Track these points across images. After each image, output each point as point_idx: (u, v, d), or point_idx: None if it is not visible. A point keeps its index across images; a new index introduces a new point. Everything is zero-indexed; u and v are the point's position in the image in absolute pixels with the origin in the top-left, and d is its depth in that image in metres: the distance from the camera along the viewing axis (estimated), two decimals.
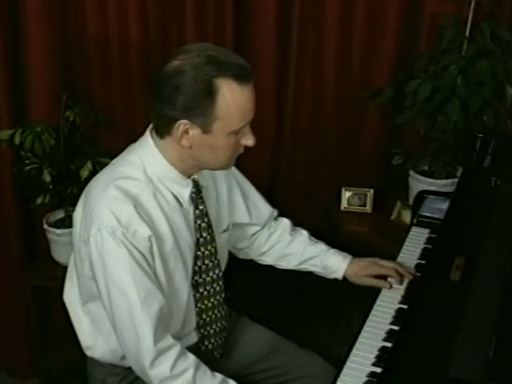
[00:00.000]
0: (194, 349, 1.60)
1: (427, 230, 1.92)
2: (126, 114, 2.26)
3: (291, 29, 2.31)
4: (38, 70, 2.09)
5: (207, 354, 1.65)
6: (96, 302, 1.51)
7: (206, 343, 1.65)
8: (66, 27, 2.12)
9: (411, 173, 2.41)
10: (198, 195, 1.54)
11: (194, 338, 1.63)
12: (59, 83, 2.10)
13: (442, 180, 2.36)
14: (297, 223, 1.88)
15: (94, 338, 1.60)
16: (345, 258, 1.78)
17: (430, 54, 2.30)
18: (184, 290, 1.54)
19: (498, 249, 1.62)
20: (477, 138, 2.09)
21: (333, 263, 1.78)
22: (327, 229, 1.92)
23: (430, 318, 1.48)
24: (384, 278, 1.73)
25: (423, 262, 1.77)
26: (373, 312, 1.59)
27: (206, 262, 1.58)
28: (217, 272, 1.61)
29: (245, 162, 1.73)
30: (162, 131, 1.44)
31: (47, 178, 2.05)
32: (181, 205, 1.50)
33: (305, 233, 1.84)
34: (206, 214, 1.57)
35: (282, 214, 1.88)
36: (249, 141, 1.46)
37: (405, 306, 1.60)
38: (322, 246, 1.81)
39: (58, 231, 2.15)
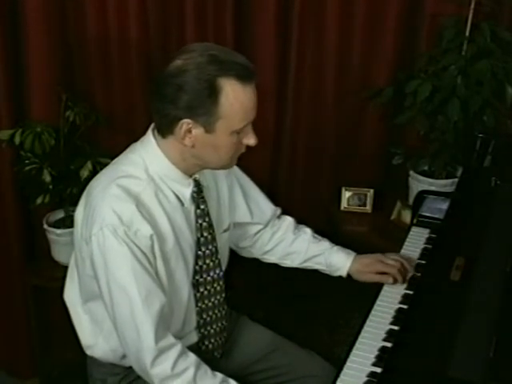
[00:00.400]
0: (194, 348, 1.60)
1: (427, 230, 1.92)
2: (125, 114, 2.26)
3: (291, 29, 2.31)
4: (38, 69, 2.09)
5: (207, 354, 1.65)
6: (97, 301, 1.51)
7: (207, 343, 1.65)
8: (66, 27, 2.12)
9: (411, 173, 2.41)
10: (199, 195, 1.54)
11: (194, 337, 1.63)
12: (59, 83, 2.10)
13: (442, 180, 2.36)
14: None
15: (95, 337, 1.60)
16: (348, 255, 1.78)
17: (430, 54, 2.30)
18: (185, 289, 1.54)
19: (498, 249, 1.62)
20: (477, 138, 2.09)
21: (337, 261, 1.78)
22: (327, 229, 1.92)
23: (430, 318, 1.48)
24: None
25: (423, 261, 1.77)
26: (373, 312, 1.59)
27: (207, 261, 1.58)
28: (217, 272, 1.61)
29: (245, 162, 1.73)
30: (165, 130, 1.44)
31: (47, 178, 2.05)
32: (182, 204, 1.51)
33: (308, 231, 1.84)
34: (207, 214, 1.57)
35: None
36: (251, 140, 1.46)
37: (405, 306, 1.60)
38: (325, 244, 1.81)
39: (58, 231, 2.15)
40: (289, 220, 1.85)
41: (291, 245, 1.82)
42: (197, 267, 1.57)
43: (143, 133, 1.53)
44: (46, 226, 2.17)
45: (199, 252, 1.56)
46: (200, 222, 1.55)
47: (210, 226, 1.58)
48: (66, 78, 2.15)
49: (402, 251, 1.83)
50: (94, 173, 1.96)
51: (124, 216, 1.39)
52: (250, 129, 1.45)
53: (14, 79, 2.08)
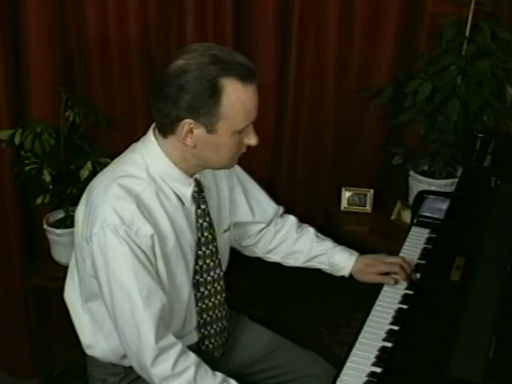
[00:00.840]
0: (194, 348, 1.60)
1: (427, 230, 1.91)
2: (125, 114, 2.26)
3: (291, 29, 2.31)
4: (38, 70, 2.09)
5: (207, 354, 1.65)
6: (97, 301, 1.51)
7: (207, 343, 1.65)
8: (66, 27, 2.12)
9: (411, 173, 2.41)
10: (199, 195, 1.54)
11: (194, 337, 1.63)
12: (59, 83, 2.10)
13: (442, 180, 2.36)
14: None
15: (95, 337, 1.60)
16: (351, 255, 1.78)
17: (430, 54, 2.30)
18: (185, 289, 1.54)
19: (498, 249, 1.62)
20: (477, 138, 2.10)
21: (339, 261, 1.78)
22: (327, 229, 1.92)
23: (430, 318, 1.48)
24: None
25: (423, 262, 1.77)
26: (373, 312, 1.59)
27: (207, 261, 1.58)
28: (218, 272, 1.61)
29: (245, 162, 1.73)
30: (166, 130, 1.44)
31: (47, 178, 2.05)
32: (183, 204, 1.51)
33: (311, 230, 1.84)
34: (208, 214, 1.57)
35: None
36: (252, 140, 1.46)
37: (405, 306, 1.60)
38: (328, 244, 1.81)
39: (58, 231, 2.15)
40: (292, 219, 1.85)
41: (294, 244, 1.82)
42: (197, 267, 1.57)
43: (143, 133, 1.53)
44: (45, 226, 2.17)
45: (200, 252, 1.57)
46: (201, 221, 1.55)
47: (211, 225, 1.58)
48: (66, 78, 2.15)
49: (402, 251, 1.83)
50: (94, 173, 1.96)
51: (125, 216, 1.39)
52: (252, 129, 1.46)
53: (14, 79, 2.08)
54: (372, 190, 2.52)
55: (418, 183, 2.37)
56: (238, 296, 1.80)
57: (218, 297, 1.63)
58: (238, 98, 1.37)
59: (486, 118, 2.19)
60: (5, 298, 2.33)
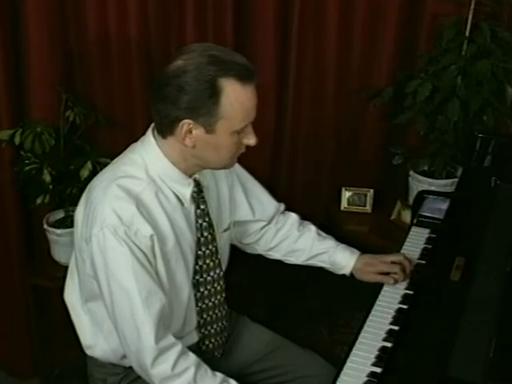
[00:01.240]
0: (194, 348, 1.60)
1: (427, 230, 1.91)
2: (125, 114, 2.26)
3: (291, 29, 2.31)
4: (38, 70, 2.09)
5: (208, 354, 1.65)
6: (97, 301, 1.51)
7: (207, 343, 1.65)
8: (66, 27, 2.12)
9: (411, 173, 2.41)
10: (199, 195, 1.54)
11: (194, 337, 1.63)
12: (59, 83, 2.10)
13: (442, 180, 2.36)
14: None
15: (95, 338, 1.60)
16: (352, 254, 1.78)
17: (430, 54, 2.30)
18: (185, 289, 1.54)
19: (498, 249, 1.62)
20: (477, 138, 2.10)
21: (340, 260, 1.78)
22: (327, 229, 1.92)
23: (430, 318, 1.48)
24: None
25: (423, 262, 1.77)
26: (373, 312, 1.59)
27: (207, 261, 1.58)
28: (218, 271, 1.61)
29: (245, 162, 1.73)
30: (165, 131, 1.44)
31: (47, 178, 2.05)
32: (182, 204, 1.51)
33: (313, 228, 1.84)
34: (207, 214, 1.57)
35: None
36: (251, 140, 1.46)
37: (405, 306, 1.60)
38: (330, 242, 1.81)
39: (58, 231, 2.15)
40: (293, 217, 1.85)
41: (295, 242, 1.82)
42: (197, 267, 1.57)
43: (143, 133, 1.53)
44: (46, 226, 2.17)
45: (199, 252, 1.57)
46: (200, 221, 1.55)
47: (210, 225, 1.58)
48: (66, 78, 2.15)
49: (402, 251, 1.83)
50: (93, 173, 1.96)
51: (124, 216, 1.39)
52: (251, 129, 1.46)
53: (14, 79, 2.08)
54: (372, 190, 2.52)
55: (418, 183, 2.37)
56: (238, 296, 1.80)
57: (218, 296, 1.63)
58: (237, 98, 1.37)
59: (486, 118, 2.19)
60: (5, 298, 2.33)
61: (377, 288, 1.70)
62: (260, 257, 1.89)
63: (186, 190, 1.50)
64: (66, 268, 1.67)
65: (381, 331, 1.51)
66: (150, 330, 1.39)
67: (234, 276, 1.77)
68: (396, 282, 1.69)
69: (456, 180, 2.28)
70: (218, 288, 1.62)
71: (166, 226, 1.46)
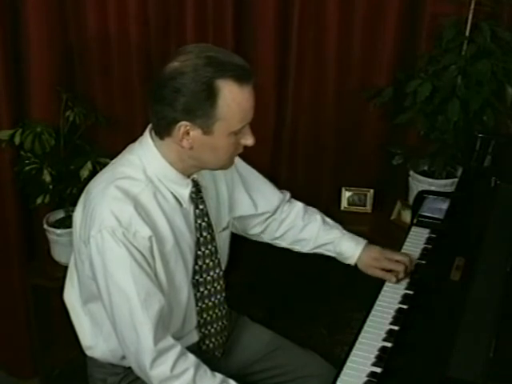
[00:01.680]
0: (195, 348, 1.60)
1: (427, 230, 1.91)
2: (125, 114, 2.26)
3: (291, 29, 2.31)
4: (38, 70, 2.09)
5: (208, 353, 1.65)
6: (96, 302, 1.51)
7: (207, 342, 1.65)
8: (66, 27, 2.12)
9: (411, 173, 2.41)
10: (197, 195, 1.54)
11: (194, 337, 1.63)
12: (59, 83, 2.10)
13: (442, 180, 2.36)
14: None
15: (95, 338, 1.60)
16: (358, 244, 1.78)
17: (430, 54, 2.30)
18: (184, 290, 1.54)
19: (498, 249, 1.62)
20: (477, 138, 2.10)
21: (346, 250, 1.78)
22: None
23: (430, 318, 1.48)
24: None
25: (423, 262, 1.77)
26: (373, 312, 1.59)
27: (207, 261, 1.58)
28: (217, 271, 1.61)
29: (245, 162, 1.73)
30: (163, 132, 1.44)
31: (47, 178, 2.05)
32: (181, 205, 1.51)
33: (319, 217, 1.83)
34: (206, 214, 1.57)
35: None
36: (248, 141, 1.46)
37: (405, 306, 1.60)
38: (335, 232, 1.80)
39: (58, 231, 2.15)
40: (298, 206, 1.84)
41: (300, 232, 1.81)
42: (196, 267, 1.57)
43: (143, 133, 1.53)
44: (46, 226, 2.17)
45: (199, 252, 1.56)
46: (199, 222, 1.55)
47: (209, 225, 1.58)
48: (66, 78, 2.15)
49: (402, 251, 1.83)
50: (93, 173, 1.96)
51: (122, 218, 1.39)
52: (248, 129, 1.45)
53: (14, 79, 2.08)
54: (372, 190, 2.52)
55: (418, 183, 2.36)
56: (238, 296, 1.80)
57: (218, 296, 1.63)
58: (234, 100, 1.37)
59: (486, 118, 2.19)
60: (5, 298, 2.33)
61: (377, 288, 1.70)
62: (260, 257, 1.89)
63: (185, 191, 1.50)
64: (65, 268, 1.67)
65: (381, 331, 1.51)
66: (149, 331, 1.39)
67: (234, 276, 1.77)
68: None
69: (456, 180, 2.28)
70: (218, 287, 1.62)
71: (165, 226, 1.46)
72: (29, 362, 2.43)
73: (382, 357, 1.43)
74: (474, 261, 1.57)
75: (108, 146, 2.18)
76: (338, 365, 1.43)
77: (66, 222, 2.16)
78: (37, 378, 2.45)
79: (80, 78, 2.21)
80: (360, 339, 1.49)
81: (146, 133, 1.51)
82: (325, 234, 1.80)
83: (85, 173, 2.04)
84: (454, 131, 2.25)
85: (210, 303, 1.62)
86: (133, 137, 1.57)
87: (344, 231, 1.82)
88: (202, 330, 1.63)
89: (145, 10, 2.16)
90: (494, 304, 1.42)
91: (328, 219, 1.85)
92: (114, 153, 1.59)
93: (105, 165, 1.61)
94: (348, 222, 2.47)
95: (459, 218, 1.84)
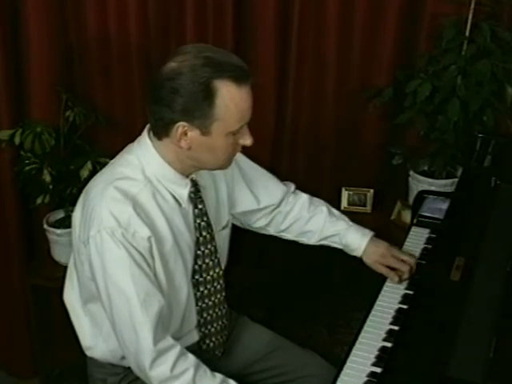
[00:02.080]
0: (195, 347, 1.60)
1: (427, 230, 1.91)
2: (125, 114, 2.26)
3: (291, 29, 2.31)
4: (38, 70, 2.09)
5: (208, 353, 1.65)
6: (96, 303, 1.51)
7: (208, 341, 1.65)
8: (66, 27, 2.12)
9: (411, 173, 2.41)
10: (196, 195, 1.54)
11: (195, 336, 1.63)
12: (59, 83, 2.10)
13: (442, 180, 2.36)
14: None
15: (95, 339, 1.60)
16: (364, 236, 1.77)
17: (430, 54, 2.30)
18: (184, 289, 1.54)
19: (498, 249, 1.62)
20: (477, 138, 2.10)
21: (351, 242, 1.77)
22: None
23: (430, 318, 1.48)
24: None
25: (423, 262, 1.77)
26: (373, 312, 1.59)
27: (207, 260, 1.58)
28: (217, 270, 1.61)
29: None
30: (161, 133, 1.44)
31: (47, 178, 2.05)
32: (180, 205, 1.50)
33: (325, 209, 1.82)
34: (206, 213, 1.57)
35: None
36: (247, 141, 1.46)
37: (405, 306, 1.60)
38: (341, 224, 1.79)
39: (58, 231, 2.15)
40: (303, 198, 1.84)
41: (306, 224, 1.81)
42: (196, 267, 1.57)
43: (141, 133, 1.53)
44: (46, 226, 2.17)
45: (198, 252, 1.56)
46: (198, 221, 1.55)
47: (209, 225, 1.58)
48: (66, 78, 2.15)
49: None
50: (93, 173, 1.96)
51: (121, 218, 1.39)
52: (246, 129, 1.45)
53: (14, 79, 2.08)
54: (372, 190, 2.52)
55: (418, 183, 2.36)
56: (238, 296, 1.80)
57: (218, 295, 1.63)
58: (232, 100, 1.37)
59: (486, 118, 2.19)
60: (5, 298, 2.33)
61: (377, 288, 1.70)
62: (260, 257, 1.89)
63: (183, 191, 1.50)
64: (65, 268, 1.67)
65: (381, 331, 1.51)
66: (149, 331, 1.39)
67: (234, 276, 1.77)
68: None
69: (456, 180, 2.28)
70: (218, 287, 1.62)
71: (164, 226, 1.46)
72: (29, 362, 2.43)
73: (382, 357, 1.43)
74: (474, 261, 1.57)
75: (108, 146, 2.18)
76: (338, 365, 1.43)
77: (66, 222, 2.16)
78: (37, 378, 2.45)
79: (80, 77, 2.21)
80: (360, 339, 1.49)
81: (144, 133, 1.51)
82: (331, 225, 1.79)
83: (85, 173, 2.04)
84: (454, 131, 2.25)
85: (210, 302, 1.62)
86: (133, 137, 1.57)
87: (350, 223, 1.81)
88: (202, 329, 1.63)
89: (145, 10, 2.16)
90: (494, 304, 1.42)
91: (334, 210, 1.84)
92: (113, 153, 1.59)
93: (105, 165, 1.61)
94: None
95: (459, 218, 1.84)
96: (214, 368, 1.47)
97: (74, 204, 1.55)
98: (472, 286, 1.48)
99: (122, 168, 1.49)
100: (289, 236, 1.85)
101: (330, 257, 1.85)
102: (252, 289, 2.49)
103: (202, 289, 1.59)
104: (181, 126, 1.39)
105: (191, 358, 1.44)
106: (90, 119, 2.12)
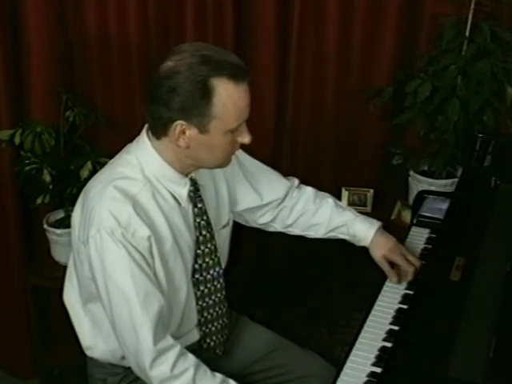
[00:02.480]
0: (195, 347, 1.60)
1: (427, 230, 1.91)
2: (125, 114, 2.26)
3: (291, 29, 2.31)
4: (38, 70, 2.09)
5: (209, 352, 1.65)
6: (96, 303, 1.51)
7: (208, 341, 1.65)
8: (66, 27, 2.12)
9: (411, 173, 2.41)
10: (196, 194, 1.54)
11: (195, 335, 1.63)
12: (59, 83, 2.10)
13: (442, 180, 2.36)
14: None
15: (95, 339, 1.60)
16: (371, 225, 1.75)
17: (430, 54, 2.30)
18: (183, 289, 1.54)
19: (498, 249, 1.62)
20: (477, 138, 2.10)
21: (359, 231, 1.75)
22: None
23: (430, 318, 1.48)
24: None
25: (423, 262, 1.77)
26: (373, 312, 1.59)
27: (207, 259, 1.58)
28: (217, 270, 1.61)
29: None
30: (159, 132, 1.44)
31: (47, 178, 2.05)
32: (179, 204, 1.50)
33: (331, 201, 1.81)
34: (205, 212, 1.57)
35: None
36: (245, 138, 1.46)
37: (405, 306, 1.60)
38: (348, 214, 1.78)
39: (58, 231, 2.15)
40: (309, 191, 1.83)
41: (313, 216, 1.80)
42: (196, 266, 1.57)
43: (139, 133, 1.53)
44: (46, 226, 2.17)
45: (198, 251, 1.56)
46: (198, 220, 1.55)
47: (209, 224, 1.58)
48: (66, 78, 2.15)
49: None
50: (93, 173, 1.96)
51: (121, 218, 1.39)
52: (245, 127, 1.45)
53: (14, 79, 2.08)
54: (372, 190, 2.52)
55: (418, 183, 2.37)
56: (238, 296, 1.80)
57: (218, 294, 1.63)
58: (229, 98, 1.37)
59: (486, 118, 2.19)
60: (5, 298, 2.33)
61: (377, 288, 1.70)
62: (260, 257, 1.89)
63: (183, 190, 1.50)
64: (65, 268, 1.67)
65: (381, 331, 1.51)
66: (148, 331, 1.39)
67: (234, 276, 1.77)
68: (400, 282, 1.69)
69: (456, 180, 2.28)
70: (218, 286, 1.62)
71: (164, 226, 1.46)
72: (29, 362, 2.43)
73: (382, 357, 1.43)
74: (474, 261, 1.57)
75: (108, 146, 2.17)
76: (338, 365, 1.43)
77: (66, 222, 2.16)
78: (37, 378, 2.45)
79: (80, 77, 2.21)
80: (360, 339, 1.49)
81: (143, 133, 1.51)
82: (338, 216, 1.78)
83: (85, 173, 2.04)
84: (454, 131, 2.25)
85: (211, 301, 1.62)
86: (132, 137, 1.57)
87: (357, 213, 1.79)
88: (203, 328, 1.63)
89: (145, 10, 2.16)
90: (493, 304, 1.42)
91: (340, 203, 1.83)
92: (113, 153, 1.59)
93: (104, 165, 1.61)
94: None
95: (459, 218, 1.84)
96: (214, 368, 1.47)
97: (73, 204, 1.55)
98: (472, 285, 1.49)
99: (121, 168, 1.49)
100: (296, 231, 1.83)
101: (330, 257, 1.86)
102: (252, 289, 2.49)
103: (202, 288, 1.59)
104: (179, 124, 1.39)
105: (191, 358, 1.44)
106: (90, 119, 2.12)
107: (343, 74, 2.41)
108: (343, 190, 2.53)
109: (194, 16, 2.19)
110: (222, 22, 2.23)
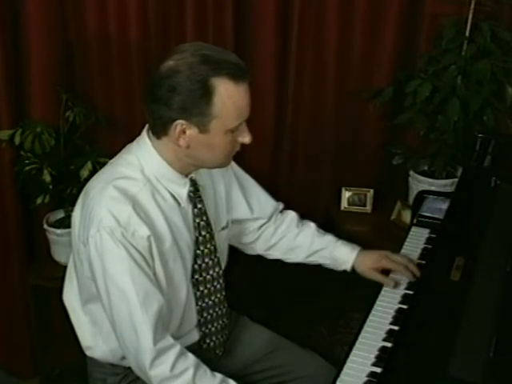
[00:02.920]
0: (195, 347, 1.60)
1: (427, 230, 1.91)
2: (125, 114, 2.26)
3: (291, 28, 2.31)
4: (38, 70, 2.09)
5: (209, 352, 1.65)
6: (96, 303, 1.51)
7: (208, 341, 1.65)
8: (66, 27, 2.12)
9: (411, 173, 2.41)
10: (195, 194, 1.54)
11: (195, 336, 1.63)
12: (59, 83, 2.10)
13: (442, 180, 2.36)
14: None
15: (95, 339, 1.60)
16: (353, 249, 1.78)
17: (430, 54, 2.30)
18: (183, 289, 1.54)
19: (498, 249, 1.62)
20: (477, 138, 2.09)
21: (341, 254, 1.77)
22: (327, 229, 1.92)
23: (430, 318, 1.48)
24: (387, 273, 1.73)
25: (423, 262, 1.77)
26: (373, 312, 1.59)
27: (206, 260, 1.58)
28: (217, 270, 1.61)
29: (245, 162, 1.73)
30: (159, 132, 1.44)
31: (47, 178, 2.05)
32: (179, 204, 1.51)
33: (312, 225, 1.84)
34: (205, 213, 1.57)
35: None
36: (245, 138, 1.46)
37: (405, 306, 1.60)
38: (330, 238, 1.81)
39: (58, 231, 2.15)
40: (292, 214, 1.85)
41: (295, 239, 1.82)
42: (196, 266, 1.57)
43: (139, 133, 1.53)
44: (46, 226, 2.17)
45: (198, 251, 1.57)
46: (197, 221, 1.55)
47: (208, 224, 1.58)
48: (66, 78, 2.15)
49: (402, 251, 1.83)
50: (93, 173, 1.95)
51: (121, 218, 1.39)
52: (245, 127, 1.45)
53: (14, 79, 2.08)
54: (372, 190, 2.52)
55: (418, 183, 2.37)
56: (238, 296, 1.80)
57: (218, 295, 1.63)
58: (229, 97, 1.37)
59: (486, 118, 2.19)
60: (5, 298, 2.33)
61: (377, 288, 1.70)
62: (260, 257, 1.89)
63: (183, 190, 1.50)
64: (65, 268, 1.67)
65: (381, 331, 1.51)
66: (148, 331, 1.39)
67: (234, 276, 1.77)
68: (396, 285, 1.69)
69: (456, 180, 2.28)
70: (218, 286, 1.63)
71: (163, 226, 1.46)
72: (29, 362, 2.43)
73: (382, 357, 1.43)
74: (474, 261, 1.57)
75: (108, 146, 2.17)
76: (338, 365, 1.43)
77: (66, 222, 2.16)
78: (37, 378, 2.45)
79: (80, 77, 2.21)
80: (360, 339, 1.49)
81: (144, 132, 1.51)
82: (319, 239, 1.81)
83: (85, 173, 2.04)
84: (454, 131, 2.25)
85: (210, 302, 1.62)
86: (133, 137, 1.57)
87: (337, 238, 1.82)
88: (203, 328, 1.63)
89: (145, 10, 2.16)
90: (493, 304, 1.42)
91: (320, 229, 1.85)
92: (113, 153, 1.59)
93: (105, 165, 1.61)
94: (348, 222, 2.50)
95: (459, 218, 1.84)
96: (214, 368, 1.47)
97: (73, 204, 1.56)
98: (472, 286, 1.48)
99: (121, 168, 1.49)
100: (276, 254, 1.85)
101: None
102: (252, 289, 2.49)
103: (201, 288, 1.59)
104: (179, 124, 1.39)
105: (191, 358, 1.44)
106: (90, 119, 2.12)
107: (343, 74, 2.41)
108: (343, 189, 2.53)
109: (194, 16, 2.19)
110: (221, 22, 2.23)
